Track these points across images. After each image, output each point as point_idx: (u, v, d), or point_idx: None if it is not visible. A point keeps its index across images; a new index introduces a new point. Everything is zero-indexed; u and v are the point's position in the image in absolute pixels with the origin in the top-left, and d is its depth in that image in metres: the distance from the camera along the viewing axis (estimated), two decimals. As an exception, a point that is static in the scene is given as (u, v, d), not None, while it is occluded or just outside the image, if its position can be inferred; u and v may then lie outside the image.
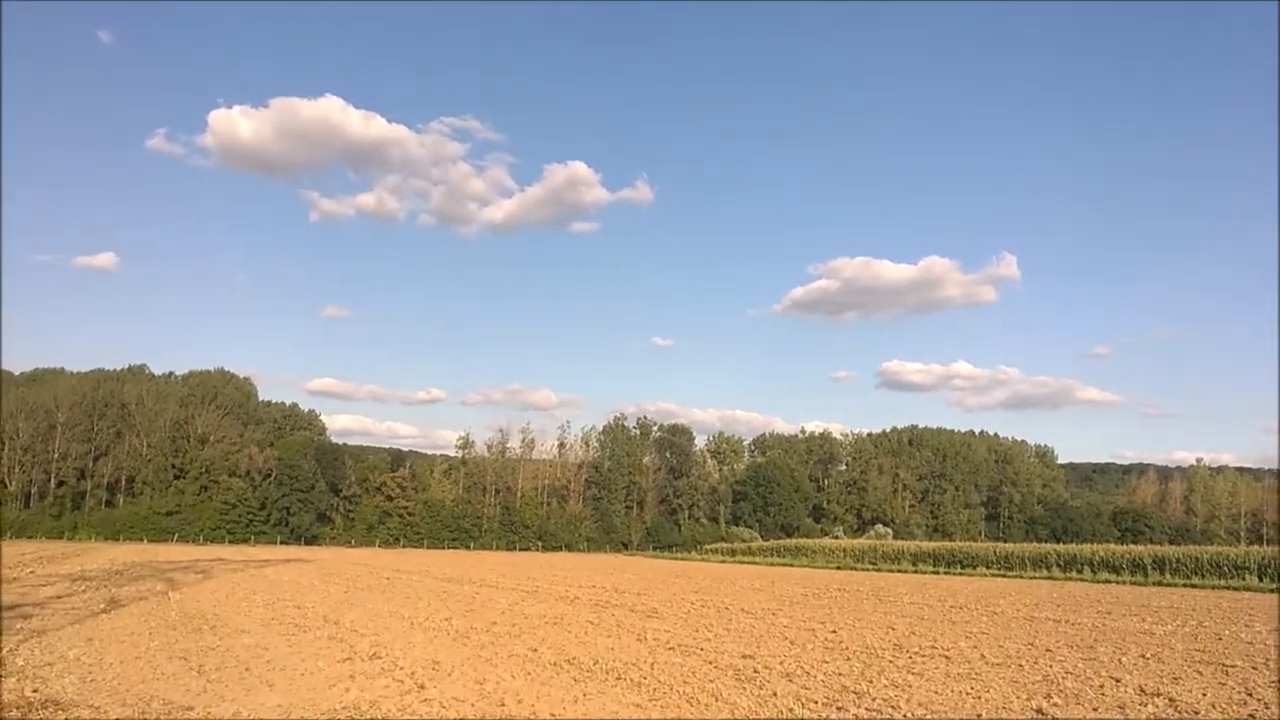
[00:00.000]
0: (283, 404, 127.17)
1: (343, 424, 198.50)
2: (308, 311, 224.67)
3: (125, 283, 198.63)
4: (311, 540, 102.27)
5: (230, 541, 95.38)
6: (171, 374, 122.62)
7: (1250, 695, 11.05)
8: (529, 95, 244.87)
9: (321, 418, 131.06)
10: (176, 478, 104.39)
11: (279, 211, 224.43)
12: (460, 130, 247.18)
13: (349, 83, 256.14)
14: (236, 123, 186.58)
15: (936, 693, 11.08)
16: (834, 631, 18.00)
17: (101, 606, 20.92)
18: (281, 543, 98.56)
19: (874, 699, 10.60)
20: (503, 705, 10.02)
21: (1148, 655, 14.69)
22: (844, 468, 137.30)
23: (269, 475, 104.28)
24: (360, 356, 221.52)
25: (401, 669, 12.39)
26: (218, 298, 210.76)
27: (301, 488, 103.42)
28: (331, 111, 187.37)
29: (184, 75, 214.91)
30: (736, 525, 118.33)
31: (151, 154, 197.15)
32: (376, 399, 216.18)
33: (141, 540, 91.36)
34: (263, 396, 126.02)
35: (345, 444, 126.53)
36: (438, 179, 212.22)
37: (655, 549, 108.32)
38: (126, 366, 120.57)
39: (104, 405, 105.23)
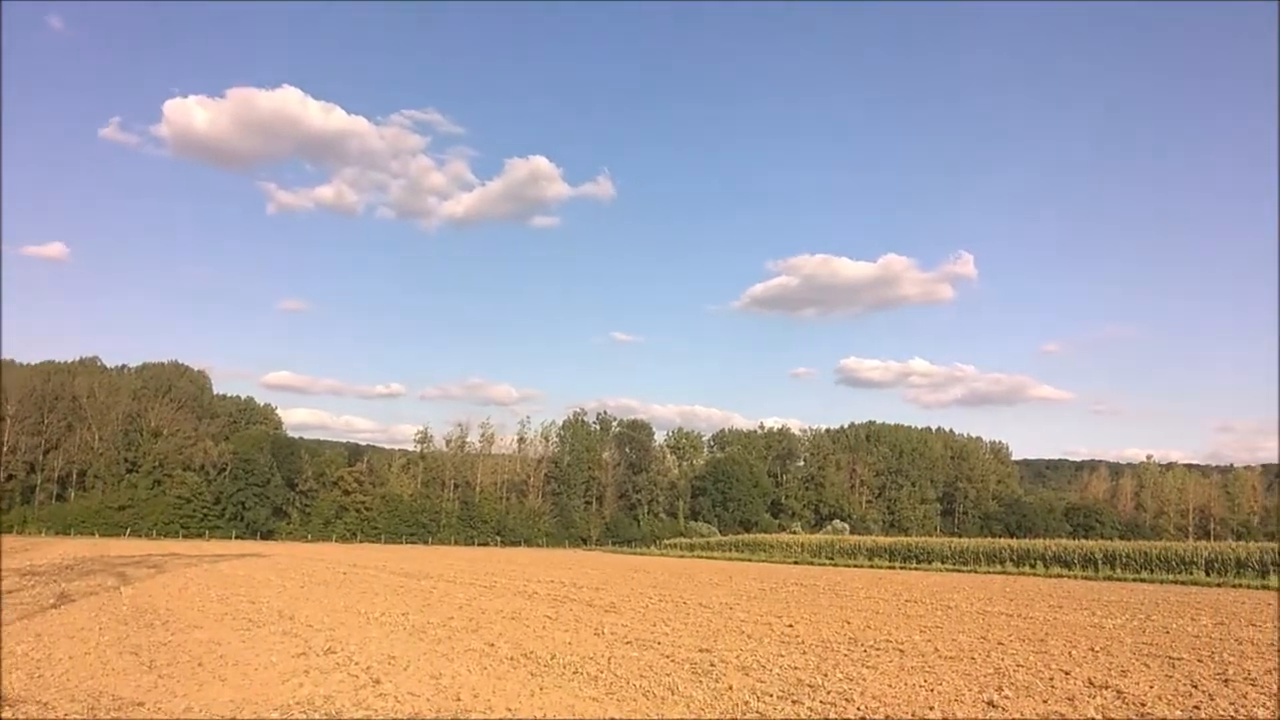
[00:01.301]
0: (238, 397, 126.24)
1: (300, 418, 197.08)
2: (265, 304, 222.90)
3: (76, 273, 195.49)
4: (267, 535, 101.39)
5: (184, 536, 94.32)
6: (124, 366, 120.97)
7: (1195, 688, 11.27)
8: (491, 89, 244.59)
9: (278, 411, 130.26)
10: (129, 471, 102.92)
11: (235, 203, 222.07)
12: (421, 123, 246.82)
13: (308, 73, 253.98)
14: (192, 112, 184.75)
15: (890, 685, 11.19)
16: (790, 626, 18.12)
17: (51, 602, 20.56)
18: (236, 537, 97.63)
19: (829, 692, 10.68)
20: (458, 699, 9.98)
21: (1097, 648, 14.93)
22: (802, 463, 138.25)
23: (224, 469, 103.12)
24: (318, 350, 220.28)
25: (356, 664, 12.30)
26: (172, 289, 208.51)
27: (257, 482, 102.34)
28: (290, 102, 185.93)
29: (139, 64, 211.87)
30: (695, 520, 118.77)
31: (105, 143, 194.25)
32: (334, 393, 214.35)
33: (93, 535, 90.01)
34: (218, 390, 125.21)
35: (302, 438, 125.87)
36: (397, 172, 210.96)
37: (614, 544, 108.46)
38: (78, 359, 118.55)
39: (54, 398, 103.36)
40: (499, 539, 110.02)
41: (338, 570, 37.32)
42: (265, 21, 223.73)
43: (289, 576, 32.26)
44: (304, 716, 9.15)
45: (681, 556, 75.57)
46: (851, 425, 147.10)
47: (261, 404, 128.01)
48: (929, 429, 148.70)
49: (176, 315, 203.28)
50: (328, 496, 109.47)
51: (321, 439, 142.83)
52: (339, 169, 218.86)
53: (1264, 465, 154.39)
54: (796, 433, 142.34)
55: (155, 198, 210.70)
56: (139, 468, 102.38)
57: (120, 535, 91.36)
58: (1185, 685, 11.44)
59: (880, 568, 54.54)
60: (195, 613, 18.97)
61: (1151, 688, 11.20)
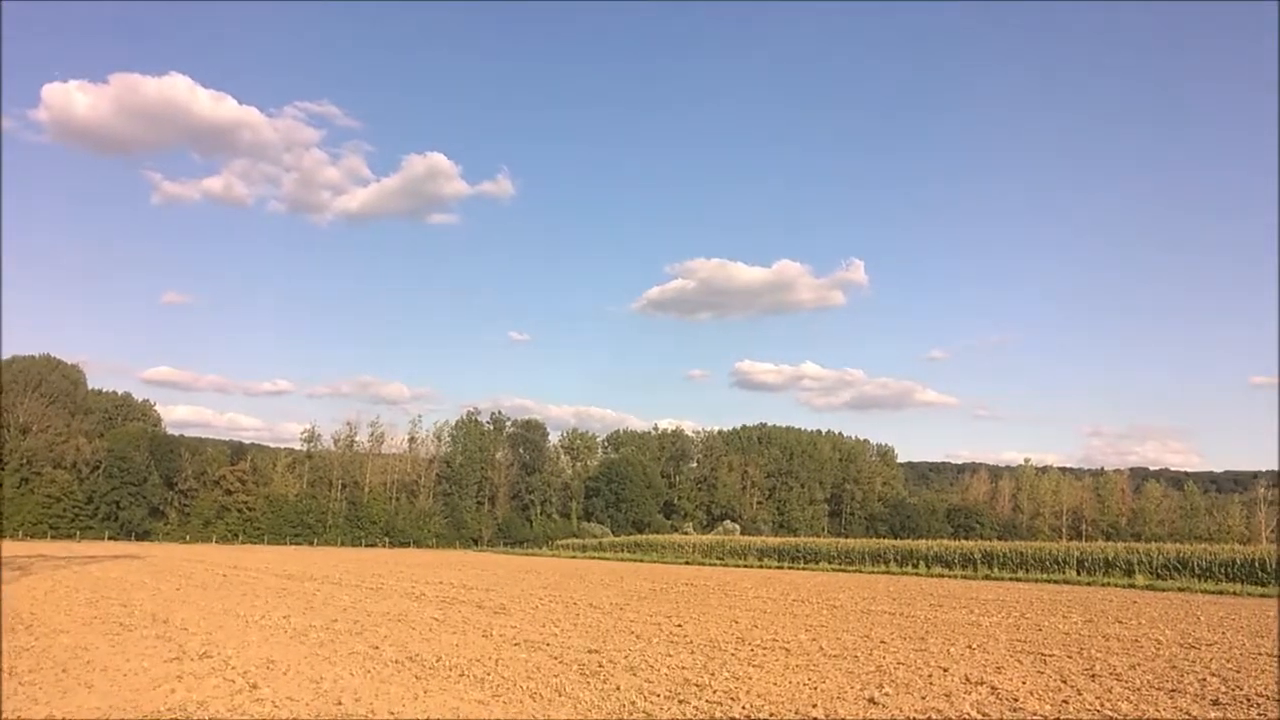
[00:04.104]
0: (115, 393, 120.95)
1: (181, 415, 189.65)
2: (146, 297, 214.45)
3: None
4: (143, 536, 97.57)
5: (53, 537, 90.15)
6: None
7: (1065, 683, 11.71)
8: (389, 83, 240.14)
9: (157, 408, 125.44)
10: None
11: (118, 192, 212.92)
12: (316, 116, 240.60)
13: (198, 61, 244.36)
14: (73, 97, 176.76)
15: (775, 684, 11.33)
16: (679, 626, 18.23)
17: (-99, 606, 19.40)
18: (110, 538, 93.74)
19: (715, 691, 10.76)
20: (339, 704, 9.74)
21: (974, 646, 15.40)
22: (695, 465, 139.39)
23: (97, 467, 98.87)
24: (202, 345, 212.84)
25: (233, 668, 11.91)
26: (45, 279, 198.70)
27: (133, 481, 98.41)
28: (178, 90, 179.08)
29: (16, 46, 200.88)
30: (588, 521, 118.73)
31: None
32: (218, 389, 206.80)
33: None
34: (93, 385, 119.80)
35: (183, 435, 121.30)
36: (290, 165, 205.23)
37: (506, 545, 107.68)
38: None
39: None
40: (387, 540, 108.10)
41: (217, 572, 36.15)
42: (153, 6, 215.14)
43: (165, 579, 31.10)
44: (175, 724, 8.81)
45: (574, 557, 75.45)
46: (744, 427, 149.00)
47: (140, 400, 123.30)
48: (819, 431, 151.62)
49: (49, 306, 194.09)
50: (208, 496, 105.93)
51: (203, 437, 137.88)
52: (229, 160, 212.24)
53: (1131, 469, 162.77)
54: (690, 434, 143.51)
55: (30, 183, 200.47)
56: (5, 465, 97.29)
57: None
58: (1055, 681, 11.88)
59: (769, 568, 55.39)
60: (62, 616, 18.12)
61: (1024, 683, 11.60)
